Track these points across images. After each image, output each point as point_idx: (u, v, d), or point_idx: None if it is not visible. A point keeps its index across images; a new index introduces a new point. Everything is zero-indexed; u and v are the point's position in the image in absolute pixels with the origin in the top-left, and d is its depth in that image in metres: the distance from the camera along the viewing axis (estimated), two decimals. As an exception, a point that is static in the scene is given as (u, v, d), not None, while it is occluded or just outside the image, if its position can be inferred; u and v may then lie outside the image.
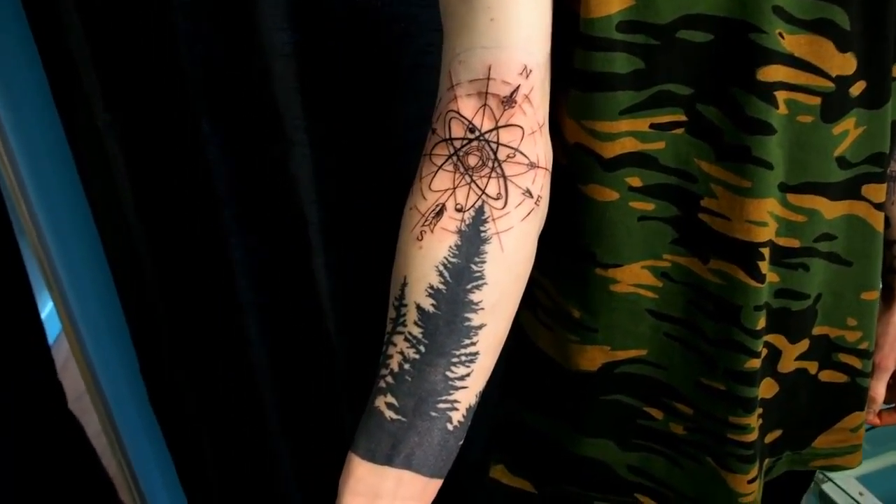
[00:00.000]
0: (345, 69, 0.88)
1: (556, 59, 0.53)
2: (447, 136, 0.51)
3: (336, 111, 0.91)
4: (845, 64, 0.57)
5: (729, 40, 0.54)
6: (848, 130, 0.60)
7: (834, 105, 0.58)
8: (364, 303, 0.98)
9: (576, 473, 0.73)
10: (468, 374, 0.51)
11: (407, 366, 0.51)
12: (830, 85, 0.57)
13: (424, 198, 0.51)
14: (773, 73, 0.55)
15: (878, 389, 0.80)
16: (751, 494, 0.68)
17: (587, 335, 0.65)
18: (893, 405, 0.83)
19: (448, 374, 0.51)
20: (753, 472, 0.67)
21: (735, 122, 0.56)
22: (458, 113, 0.51)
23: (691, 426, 0.68)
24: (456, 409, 0.51)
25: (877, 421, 0.83)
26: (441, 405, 0.51)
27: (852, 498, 1.07)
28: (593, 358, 0.66)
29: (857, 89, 0.59)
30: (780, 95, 0.56)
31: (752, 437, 0.66)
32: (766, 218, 0.58)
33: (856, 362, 0.71)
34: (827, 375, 0.71)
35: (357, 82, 0.90)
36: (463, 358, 0.51)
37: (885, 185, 0.64)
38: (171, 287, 1.05)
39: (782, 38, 0.54)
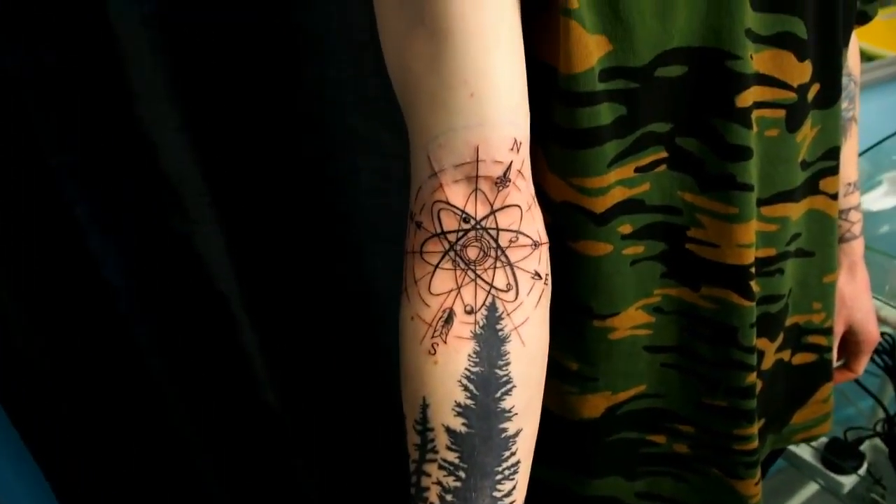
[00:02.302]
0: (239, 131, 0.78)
1: (535, 118, 0.48)
2: (438, 231, 0.45)
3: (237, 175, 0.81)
4: (804, 71, 0.56)
5: (705, 70, 0.51)
6: (806, 135, 0.59)
7: (796, 114, 0.57)
8: (299, 366, 0.90)
9: None
10: (514, 488, 0.46)
11: (449, 497, 0.45)
12: (793, 96, 0.56)
13: (427, 304, 0.45)
14: (748, 96, 0.53)
15: (835, 352, 0.84)
16: (757, 495, 0.69)
17: (587, 385, 0.62)
18: (842, 362, 0.87)
19: (495, 494, 0.46)
20: (758, 474, 0.68)
21: (716, 151, 0.54)
22: (447, 202, 0.45)
23: (695, 443, 0.68)
24: None
25: None
26: None
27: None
28: (596, 405, 0.63)
29: (812, 93, 0.58)
30: (755, 115, 0.54)
31: (755, 444, 0.66)
32: (753, 239, 0.57)
33: (822, 340, 0.73)
34: (799, 359, 0.73)
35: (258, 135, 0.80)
36: (507, 472, 0.46)
37: (838, 176, 0.65)
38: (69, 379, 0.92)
39: (752, 59, 0.52)
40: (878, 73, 1.26)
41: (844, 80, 0.75)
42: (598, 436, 0.65)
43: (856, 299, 0.82)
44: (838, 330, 0.83)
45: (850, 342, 0.84)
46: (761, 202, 0.59)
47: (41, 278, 0.82)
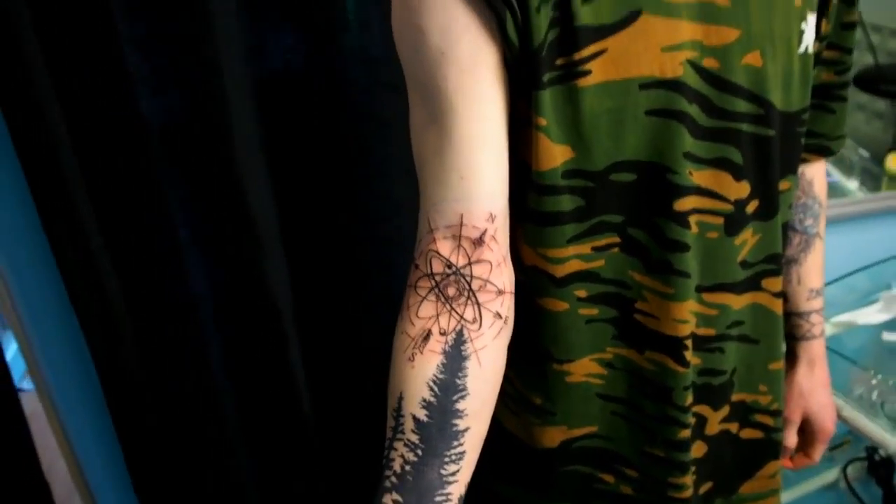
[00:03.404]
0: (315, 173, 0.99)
1: (512, 199, 0.65)
2: (429, 272, 0.62)
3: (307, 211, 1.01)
4: (741, 189, 0.71)
5: (650, 179, 0.67)
6: (747, 240, 0.73)
7: (734, 222, 0.72)
8: (338, 380, 1.07)
9: None
10: (458, 470, 0.61)
11: (408, 467, 0.61)
12: (730, 207, 0.71)
13: (413, 324, 0.62)
14: (686, 203, 0.68)
15: (790, 439, 0.95)
16: None
17: (547, 418, 0.77)
18: (803, 450, 0.97)
19: (442, 471, 0.61)
20: None
21: (658, 243, 0.69)
22: (437, 252, 0.62)
23: (638, 487, 0.80)
24: (450, 500, 0.61)
25: (790, 465, 0.97)
26: (438, 498, 0.61)
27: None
28: (553, 437, 0.78)
29: (751, 207, 0.73)
30: (692, 218, 0.69)
31: (688, 493, 0.78)
32: (687, 317, 0.71)
33: (769, 420, 0.85)
34: (747, 433, 0.85)
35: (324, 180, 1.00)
36: (453, 457, 0.61)
37: (780, 278, 0.78)
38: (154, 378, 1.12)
39: (691, 175, 0.68)
40: (891, 202, 1.36)
41: (809, 201, 0.89)
42: (554, 464, 0.79)
43: (812, 393, 0.93)
44: (795, 418, 0.94)
45: (807, 431, 0.95)
46: (702, 289, 0.73)
47: (145, 290, 1.03)
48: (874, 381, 1.05)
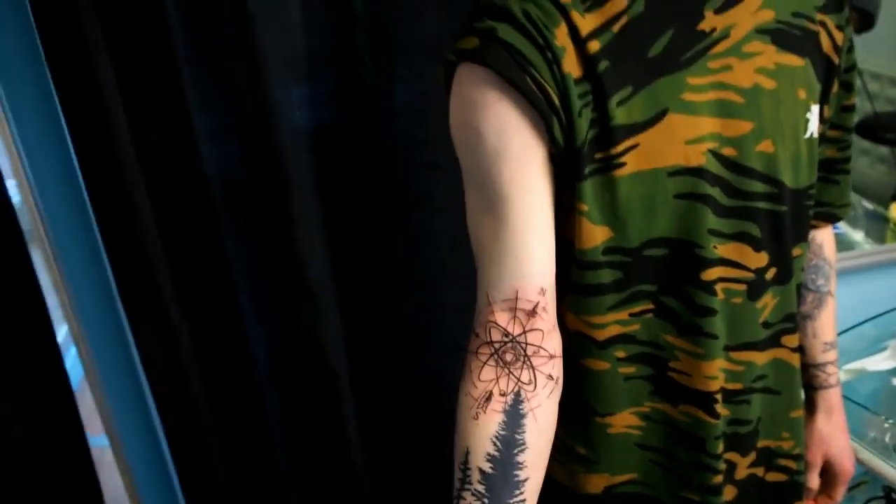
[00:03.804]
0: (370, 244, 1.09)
1: (559, 273, 0.74)
2: (488, 340, 0.71)
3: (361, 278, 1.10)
4: (760, 259, 0.80)
5: (680, 253, 0.76)
6: (767, 303, 0.82)
7: (756, 288, 0.80)
8: (389, 437, 1.15)
9: None
10: None
11: None
12: (752, 275, 0.80)
13: (476, 386, 0.71)
14: (712, 273, 0.77)
15: (813, 480, 1.02)
16: None
17: (591, 466, 0.85)
18: (825, 492, 1.04)
19: None
20: None
21: (689, 309, 0.78)
22: (495, 322, 0.71)
23: None
24: None
25: None
26: None
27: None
28: (597, 484, 0.86)
29: (770, 274, 0.81)
30: (719, 286, 0.78)
31: (722, 533, 0.86)
32: (716, 373, 0.80)
33: (792, 464, 0.93)
34: (771, 476, 0.92)
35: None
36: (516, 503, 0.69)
37: (797, 335, 0.87)
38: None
39: (716, 248, 0.77)
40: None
41: (821, 262, 0.98)
42: (599, 509, 0.87)
43: (832, 437, 1.01)
44: (816, 462, 1.01)
45: (828, 473, 1.02)
46: (730, 348, 0.82)
47: (213, 355, 1.12)
48: (886, 425, 1.12)
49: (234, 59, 0.98)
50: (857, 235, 1.60)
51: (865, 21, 2.38)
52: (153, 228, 0.99)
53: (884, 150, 2.69)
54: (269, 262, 1.07)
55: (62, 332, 1.14)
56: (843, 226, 1.61)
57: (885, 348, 1.27)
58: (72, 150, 1.00)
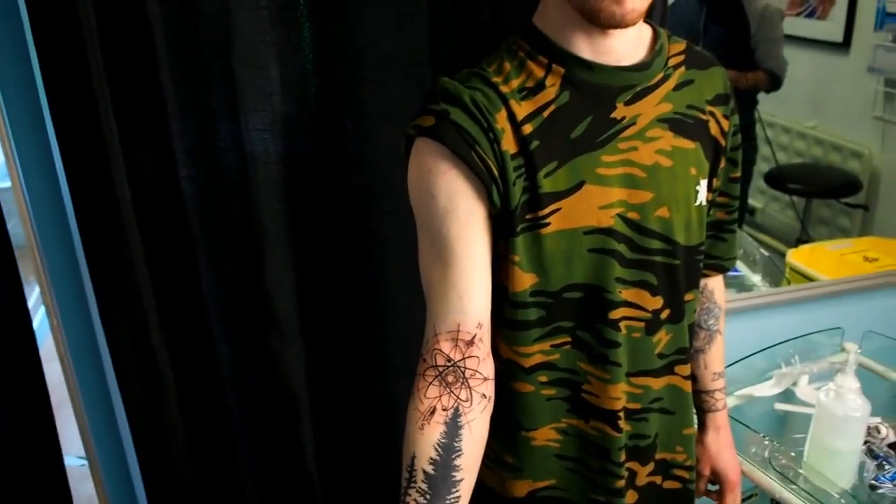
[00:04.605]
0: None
1: (494, 311, 0.90)
2: (434, 364, 0.86)
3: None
4: (656, 302, 0.97)
5: (592, 296, 0.93)
6: (661, 338, 1.00)
7: (652, 326, 0.98)
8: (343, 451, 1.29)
9: None
10: None
11: None
12: (649, 315, 0.97)
13: (422, 402, 0.86)
14: (617, 313, 0.94)
15: (700, 487, 1.20)
16: None
17: (517, 473, 1.01)
18: (720, 501, 1.22)
19: None
20: None
21: (598, 341, 0.95)
22: (440, 350, 0.86)
23: None
24: None
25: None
26: None
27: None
28: (522, 488, 1.01)
29: (664, 314, 0.99)
30: (622, 324, 0.95)
31: (624, 531, 1.02)
32: (620, 395, 0.96)
33: (685, 474, 1.10)
34: (668, 484, 1.09)
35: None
36: (452, 500, 0.84)
37: (689, 365, 1.05)
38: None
39: (621, 293, 0.94)
40: (785, 296, 1.67)
41: (711, 306, 1.17)
42: (523, 510, 1.03)
43: (719, 452, 1.19)
44: (705, 473, 1.20)
45: (720, 483, 1.21)
46: (631, 374, 0.99)
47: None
48: (766, 443, 1.32)
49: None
50: (756, 278, 1.82)
51: (774, 81, 2.68)
52: (140, 255, 1.12)
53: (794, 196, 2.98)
54: (238, 293, 1.20)
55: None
56: (743, 269, 1.83)
57: (770, 377, 1.48)
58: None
